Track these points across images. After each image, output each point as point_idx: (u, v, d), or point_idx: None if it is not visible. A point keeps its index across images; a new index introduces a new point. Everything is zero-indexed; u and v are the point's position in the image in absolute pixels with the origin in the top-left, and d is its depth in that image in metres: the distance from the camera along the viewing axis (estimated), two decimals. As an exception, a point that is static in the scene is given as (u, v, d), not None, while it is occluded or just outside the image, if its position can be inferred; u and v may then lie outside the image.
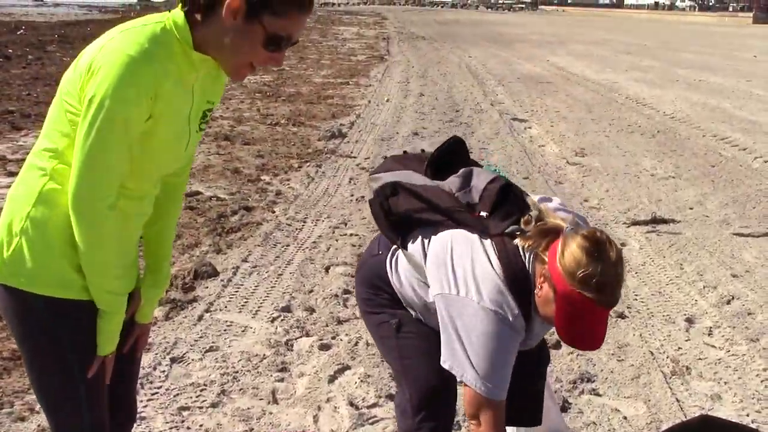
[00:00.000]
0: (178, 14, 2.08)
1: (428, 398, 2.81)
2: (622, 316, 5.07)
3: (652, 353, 4.58)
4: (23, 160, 8.46)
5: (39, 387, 2.22)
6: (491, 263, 2.53)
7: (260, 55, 2.08)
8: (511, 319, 2.49)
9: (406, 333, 2.83)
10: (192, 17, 2.07)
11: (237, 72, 2.15)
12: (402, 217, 2.77)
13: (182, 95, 2.12)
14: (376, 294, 2.94)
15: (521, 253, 2.53)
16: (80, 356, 2.17)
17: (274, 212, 7.20)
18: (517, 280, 2.51)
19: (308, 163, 9.26)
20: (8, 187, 7.40)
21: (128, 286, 2.23)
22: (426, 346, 2.80)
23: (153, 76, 1.97)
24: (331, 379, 4.17)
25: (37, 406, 3.76)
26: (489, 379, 2.49)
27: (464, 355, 2.50)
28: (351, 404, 3.93)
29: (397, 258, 2.87)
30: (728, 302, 5.33)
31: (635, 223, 7.15)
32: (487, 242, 2.58)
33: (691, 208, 7.70)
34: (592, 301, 2.33)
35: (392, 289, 2.89)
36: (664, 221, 7.21)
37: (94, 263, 2.07)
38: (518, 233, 2.55)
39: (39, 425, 3.59)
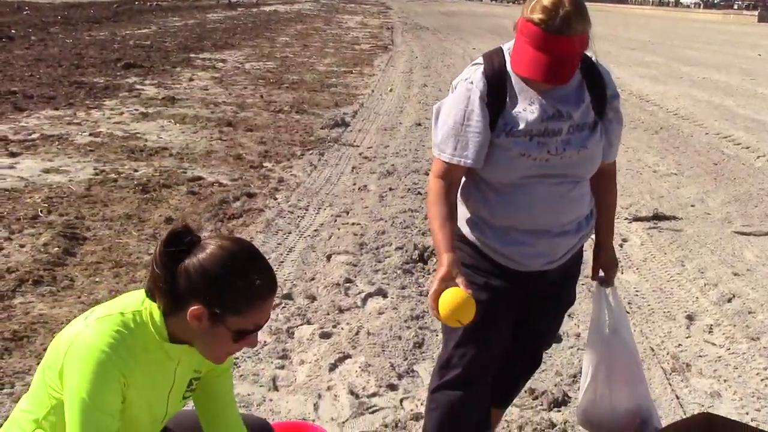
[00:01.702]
0: (154, 306, 2.13)
1: (453, 361, 2.92)
2: (622, 311, 5.07)
3: (652, 349, 4.58)
4: (25, 140, 8.52)
5: None
6: (474, 61, 2.79)
7: (231, 347, 2.15)
8: (471, 78, 2.70)
9: None
10: (167, 310, 2.11)
11: (216, 360, 2.21)
12: None
13: (160, 378, 2.19)
14: None
15: (503, 50, 2.75)
16: None
17: (276, 199, 7.19)
18: (493, 60, 2.73)
19: (311, 151, 9.24)
20: (10, 168, 7.44)
21: None
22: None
23: (122, 368, 2.04)
24: (332, 368, 4.17)
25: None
26: (442, 141, 2.72)
27: (434, 131, 2.78)
28: (351, 393, 3.93)
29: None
30: (729, 300, 5.33)
31: (637, 219, 7.14)
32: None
33: (692, 206, 7.69)
34: (535, 23, 2.48)
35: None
36: (666, 218, 7.21)
37: None
38: None
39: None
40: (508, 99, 2.66)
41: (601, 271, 3.11)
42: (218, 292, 2.04)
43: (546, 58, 2.50)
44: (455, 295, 2.53)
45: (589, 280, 5.55)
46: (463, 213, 2.84)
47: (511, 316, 2.92)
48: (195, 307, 2.04)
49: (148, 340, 2.11)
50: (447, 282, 2.56)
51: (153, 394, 2.19)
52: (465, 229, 2.83)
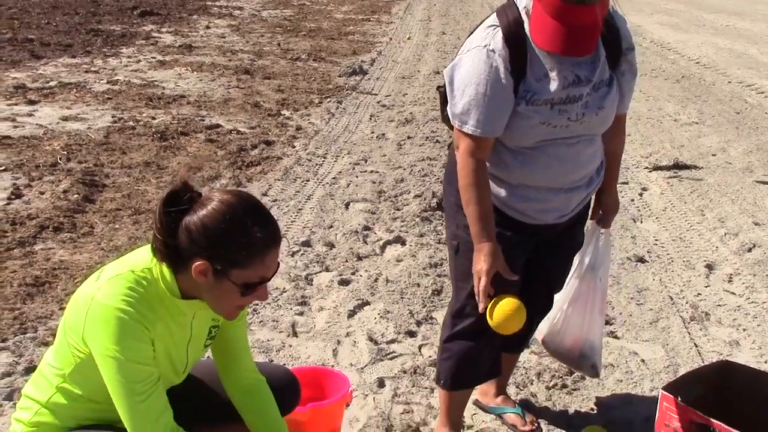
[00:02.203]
0: (164, 263, 2.13)
1: (466, 310, 2.91)
2: (642, 260, 5.05)
3: (671, 298, 4.57)
4: (43, 88, 8.50)
5: None
6: (488, 21, 2.62)
7: (242, 300, 2.14)
8: (491, 45, 2.54)
9: (462, 256, 2.87)
10: (175, 267, 2.12)
11: (227, 315, 2.21)
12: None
13: (177, 331, 2.21)
14: (449, 193, 2.95)
15: (517, 5, 2.59)
16: None
17: (294, 147, 7.17)
18: (510, 22, 2.56)
19: (329, 99, 9.20)
20: (29, 115, 7.45)
21: None
22: None
23: (144, 323, 2.06)
24: (351, 314, 4.20)
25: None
26: (463, 112, 2.59)
27: (451, 99, 2.64)
28: (370, 339, 3.95)
29: None
30: (749, 250, 5.29)
31: (657, 168, 7.08)
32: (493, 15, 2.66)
33: (714, 155, 7.61)
34: None
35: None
36: (687, 167, 7.14)
37: None
38: None
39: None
40: (528, 65, 2.57)
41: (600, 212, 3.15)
42: (220, 246, 2.04)
43: (566, 30, 2.38)
44: (512, 307, 2.64)
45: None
46: None
47: (522, 263, 2.93)
48: (198, 262, 2.04)
49: (161, 296, 2.13)
50: (491, 274, 2.64)
51: (172, 347, 2.22)
52: None
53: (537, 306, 3.21)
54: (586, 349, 3.26)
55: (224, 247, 2.04)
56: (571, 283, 3.22)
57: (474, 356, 2.99)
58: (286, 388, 2.67)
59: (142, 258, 2.16)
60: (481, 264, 2.65)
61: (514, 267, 2.86)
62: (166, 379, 2.27)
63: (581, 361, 3.30)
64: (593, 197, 3.12)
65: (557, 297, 3.26)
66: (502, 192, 2.78)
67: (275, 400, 2.53)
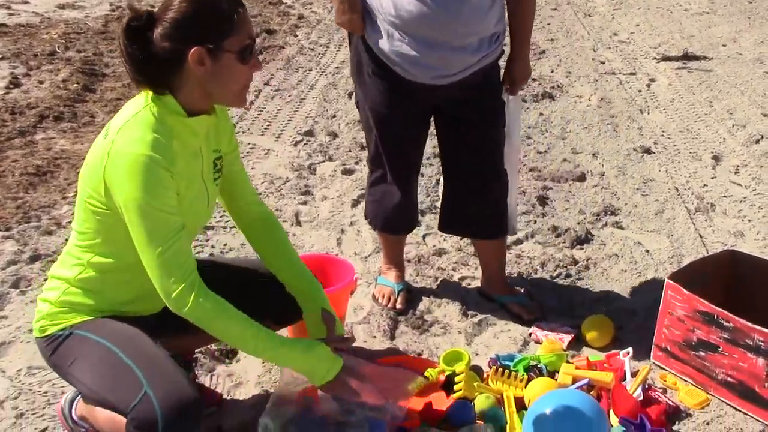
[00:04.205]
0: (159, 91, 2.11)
1: (376, 161, 3.14)
2: (648, 151, 5.01)
3: (677, 189, 4.54)
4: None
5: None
6: None
7: (244, 74, 2.16)
8: None
9: (362, 110, 3.10)
10: (170, 88, 2.12)
11: (238, 100, 2.22)
12: None
13: (192, 162, 2.20)
14: (353, 62, 3.09)
15: None
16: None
17: (296, 36, 7.04)
18: None
19: (331, -13, 8.98)
20: (24, 2, 7.30)
21: (268, 340, 2.19)
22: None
23: (165, 164, 2.04)
24: (354, 204, 4.18)
25: (64, 221, 3.80)
26: None
27: None
28: (374, 229, 3.95)
29: None
30: (757, 141, 5.23)
31: (666, 58, 6.95)
32: None
33: (724, 45, 7.47)
34: None
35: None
36: (696, 58, 7.01)
37: (235, 341, 2.24)
38: None
39: (66, 239, 3.62)
40: None
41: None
42: (202, 26, 2.06)
43: None
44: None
45: (614, 120, 5.48)
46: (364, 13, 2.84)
47: (417, 123, 3.06)
48: (191, 51, 2.05)
49: (171, 124, 2.12)
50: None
51: (191, 180, 2.21)
52: (366, 32, 2.87)
53: (484, 188, 3.15)
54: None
55: (206, 23, 2.06)
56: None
57: (390, 200, 3.17)
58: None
59: (138, 101, 2.16)
60: (338, 18, 2.87)
61: (405, 124, 3.01)
62: (196, 218, 2.29)
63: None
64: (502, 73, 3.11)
65: None
66: (380, 38, 2.80)
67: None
